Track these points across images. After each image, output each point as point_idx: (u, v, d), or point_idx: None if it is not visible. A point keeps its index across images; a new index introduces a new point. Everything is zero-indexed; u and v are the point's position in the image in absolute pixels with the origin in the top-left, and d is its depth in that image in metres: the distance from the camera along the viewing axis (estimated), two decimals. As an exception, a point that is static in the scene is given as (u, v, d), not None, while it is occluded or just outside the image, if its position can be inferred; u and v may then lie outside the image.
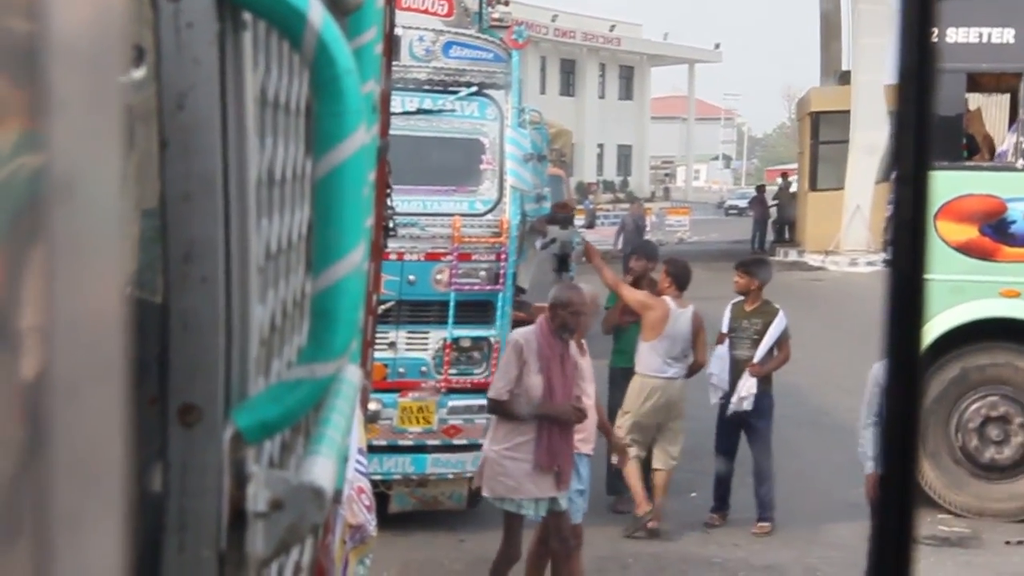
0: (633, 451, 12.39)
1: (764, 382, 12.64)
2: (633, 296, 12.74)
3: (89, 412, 1.01)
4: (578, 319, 9.78)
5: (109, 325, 1.05)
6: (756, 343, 12.61)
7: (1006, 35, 12.92)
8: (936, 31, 1.71)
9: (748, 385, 12.49)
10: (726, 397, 12.65)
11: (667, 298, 12.62)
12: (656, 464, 12.57)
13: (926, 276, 1.70)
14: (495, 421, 9.98)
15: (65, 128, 0.99)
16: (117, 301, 1.06)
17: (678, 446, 12.51)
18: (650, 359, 12.38)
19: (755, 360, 12.56)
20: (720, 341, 12.84)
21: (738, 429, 12.76)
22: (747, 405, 12.47)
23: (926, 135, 1.69)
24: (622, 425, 12.44)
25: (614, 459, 11.88)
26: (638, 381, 12.50)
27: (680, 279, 12.77)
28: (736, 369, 12.60)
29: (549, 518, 9.79)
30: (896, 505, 1.78)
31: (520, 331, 9.97)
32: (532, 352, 9.57)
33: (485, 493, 9.86)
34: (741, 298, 12.97)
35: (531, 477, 9.51)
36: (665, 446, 12.50)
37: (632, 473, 12.49)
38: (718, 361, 12.82)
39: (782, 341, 12.70)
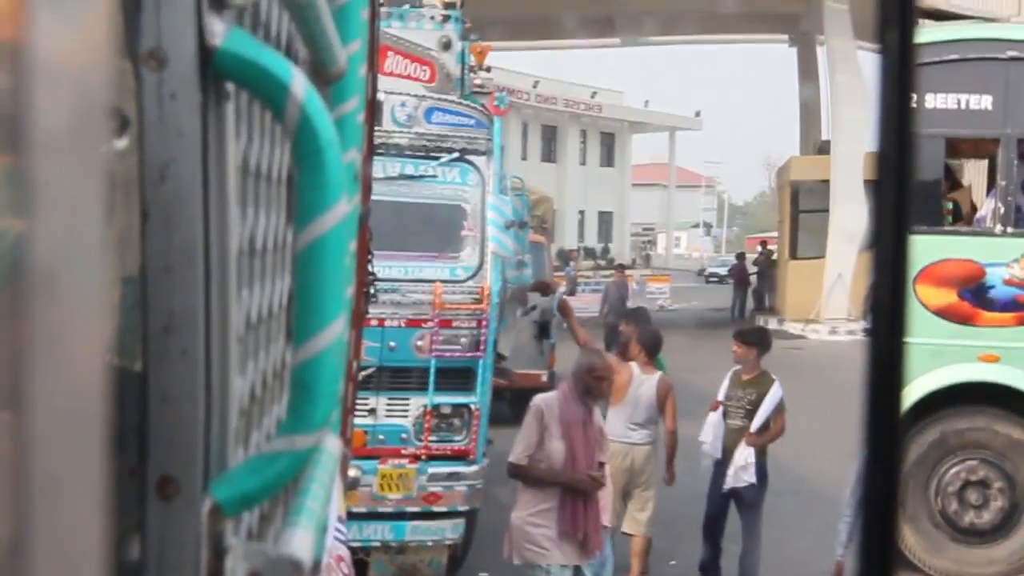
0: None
1: (759, 453, 12.52)
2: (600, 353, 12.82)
3: (68, 502, 1.01)
4: (602, 384, 9.81)
5: (89, 410, 1.04)
6: (750, 413, 12.49)
7: (984, 102, 13.01)
8: (915, 103, 1.72)
9: (746, 455, 12.38)
10: (719, 465, 12.55)
11: (632, 364, 12.67)
12: (627, 528, 12.62)
13: (906, 344, 1.70)
14: (519, 487, 9.88)
15: (48, 212, 0.99)
16: (98, 384, 1.05)
17: (647, 512, 12.53)
18: (614, 423, 12.44)
19: (752, 430, 12.47)
20: (713, 408, 12.78)
21: (728, 499, 12.63)
22: (747, 477, 12.42)
23: (905, 207, 1.69)
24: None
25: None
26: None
27: (649, 346, 12.86)
28: (729, 439, 12.53)
29: None
30: (879, 552, 1.78)
31: (542, 396, 9.91)
32: (554, 417, 9.52)
33: (515, 560, 9.76)
34: (738, 367, 12.89)
35: (556, 544, 9.46)
36: (634, 512, 12.54)
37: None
38: (710, 428, 12.75)
39: (777, 413, 12.61)
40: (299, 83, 1.94)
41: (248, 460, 2.01)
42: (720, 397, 12.80)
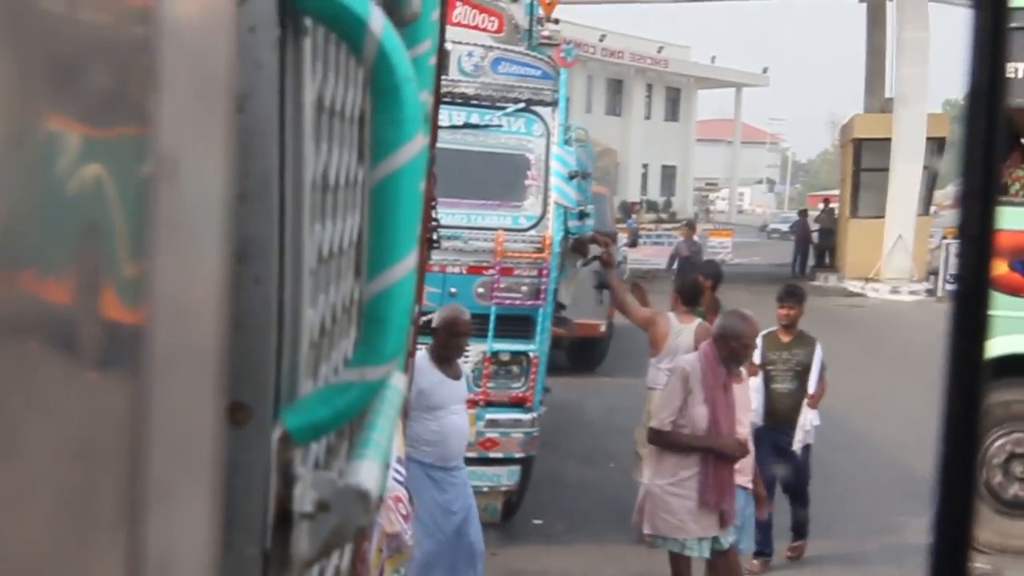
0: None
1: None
2: (638, 314, 12.76)
3: (186, 386, 1.02)
4: (748, 352, 9.63)
5: (209, 304, 1.06)
6: (798, 375, 12.39)
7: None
8: (1007, 49, 1.70)
9: (811, 418, 12.34)
10: (767, 431, 12.26)
11: (670, 314, 12.64)
12: None
13: (991, 292, 1.69)
14: (656, 453, 9.58)
15: (171, 106, 1.00)
16: (218, 277, 1.07)
17: None
18: (655, 373, 12.43)
19: (811, 391, 12.36)
20: (754, 373, 12.33)
21: (776, 459, 12.39)
22: (811, 439, 12.41)
23: (994, 153, 1.67)
24: (638, 439, 12.54)
25: None
26: (649, 395, 12.60)
27: (685, 294, 12.82)
28: (776, 403, 12.36)
29: (715, 558, 9.45)
30: (953, 526, 1.76)
31: (686, 359, 9.67)
32: (697, 381, 9.27)
33: (646, 530, 9.59)
34: (772, 328, 12.63)
35: (695, 515, 9.24)
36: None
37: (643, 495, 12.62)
38: (754, 395, 12.24)
39: (822, 371, 12.50)
40: (377, 19, 1.95)
41: (318, 390, 2.03)
42: (757, 361, 12.33)
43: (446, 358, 9.65)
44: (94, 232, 0.97)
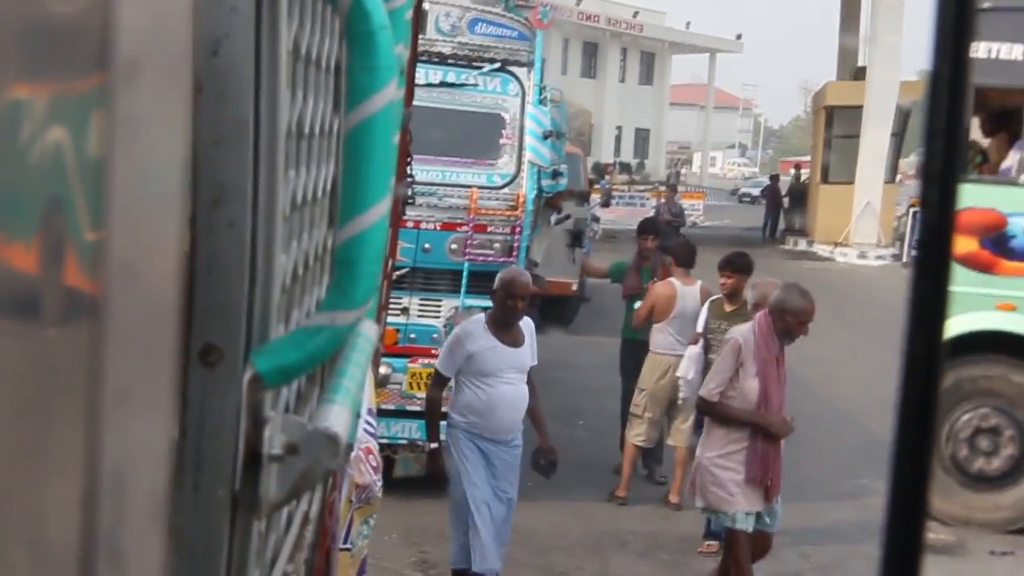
0: (640, 435, 12.50)
1: None
2: (648, 299, 12.80)
3: (144, 285, 1.02)
4: (803, 328, 9.13)
5: (168, 204, 1.05)
6: None
7: (1015, 51, 12.90)
8: (972, 37, 1.70)
9: None
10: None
11: (672, 279, 12.67)
12: (672, 441, 12.68)
13: (951, 281, 1.69)
14: (707, 424, 9.45)
15: (132, 14, 0.99)
16: (176, 186, 1.06)
17: (689, 422, 12.40)
18: (662, 338, 12.48)
19: (689, 365, 11.85)
20: (694, 341, 12.19)
21: None
22: None
23: (957, 141, 1.67)
24: (639, 403, 12.52)
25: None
26: (651, 359, 12.58)
27: (682, 257, 12.84)
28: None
29: (754, 535, 9.23)
30: (909, 502, 1.76)
31: (739, 330, 9.34)
32: (750, 353, 9.02)
33: (698, 503, 9.46)
34: (719, 296, 12.14)
35: (742, 489, 9.04)
36: (678, 424, 12.54)
37: (628, 456, 12.63)
38: (691, 363, 12.12)
39: None
40: (353, -34, 1.94)
41: (289, 333, 2.03)
42: (700, 329, 12.11)
43: (504, 322, 9.19)
44: (62, 187, 0.97)
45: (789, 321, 8.98)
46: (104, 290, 0.99)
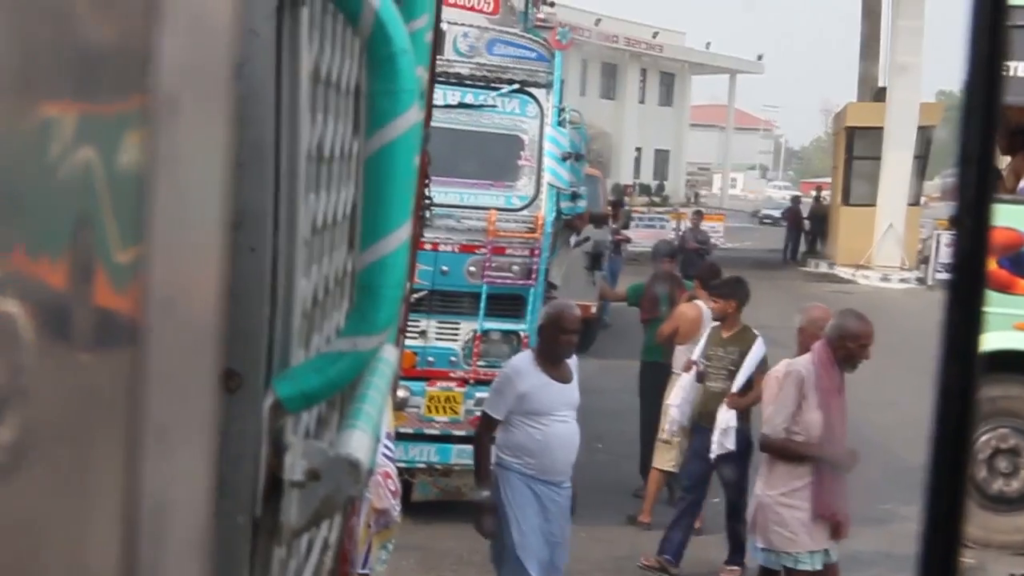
0: (670, 460, 12.47)
1: (741, 418, 11.42)
2: (673, 319, 12.80)
3: (183, 328, 1.02)
4: (864, 352, 8.91)
5: (208, 233, 1.06)
6: (732, 374, 11.48)
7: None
8: (1006, 63, 1.69)
9: (727, 418, 11.37)
10: (701, 431, 11.66)
11: (699, 302, 12.66)
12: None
13: (985, 308, 1.68)
14: (766, 460, 9.06)
15: (173, 45, 1.00)
16: (217, 216, 1.06)
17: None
18: (686, 359, 12.39)
19: (733, 390, 11.40)
20: (686, 369, 12.08)
21: (711, 466, 11.61)
22: (729, 444, 11.31)
23: (989, 167, 1.66)
24: (666, 427, 12.48)
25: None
26: (675, 381, 12.54)
27: (707, 280, 12.84)
28: (707, 402, 11.67)
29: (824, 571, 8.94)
30: (944, 533, 1.75)
31: (799, 363, 9.03)
32: (811, 385, 8.77)
33: (759, 544, 9.08)
34: (719, 323, 11.86)
35: (807, 528, 8.78)
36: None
37: (654, 481, 12.59)
38: (679, 391, 12.08)
39: (759, 372, 11.21)
40: (374, -10, 1.95)
41: (310, 359, 2.03)
42: (695, 356, 11.93)
43: (555, 358, 8.77)
44: (93, 205, 0.97)
45: (850, 347, 8.79)
46: (146, 321, 1.00)
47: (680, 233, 36.95)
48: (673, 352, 12.85)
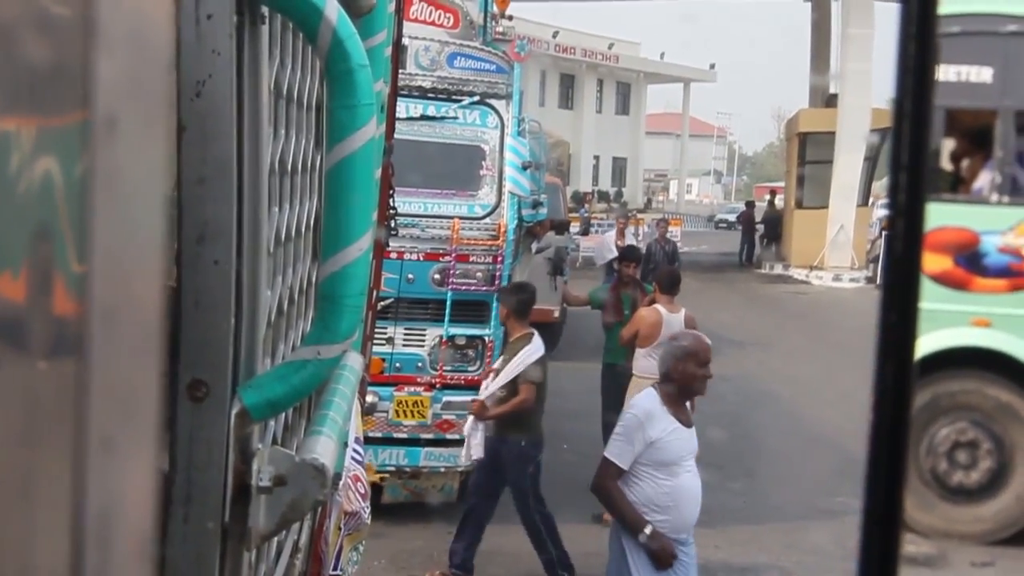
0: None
1: (505, 427, 10.63)
2: (632, 323, 12.82)
3: (126, 339, 1.02)
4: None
5: (149, 255, 1.05)
6: (512, 381, 10.64)
7: (983, 74, 13.00)
8: (936, 66, 1.70)
9: (469, 426, 10.77)
10: (492, 443, 10.76)
11: (658, 306, 12.70)
12: None
13: (920, 306, 1.69)
14: None
15: (110, 65, 0.99)
16: (157, 231, 1.06)
17: None
18: (645, 363, 12.43)
19: (480, 396, 10.77)
20: (485, 376, 11.31)
21: (492, 473, 10.75)
22: (476, 453, 10.60)
23: (922, 171, 1.68)
24: None
25: None
26: (635, 383, 12.57)
27: (665, 284, 12.89)
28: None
29: None
30: (884, 519, 1.76)
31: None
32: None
33: None
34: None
35: None
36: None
37: None
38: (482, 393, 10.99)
39: (522, 381, 10.60)
40: (332, 7, 1.95)
41: (275, 368, 2.03)
42: (496, 364, 11.09)
43: (685, 398, 7.91)
44: (43, 215, 0.97)
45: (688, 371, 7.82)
46: (89, 331, 0.99)
47: (648, 247, 35.93)
48: (633, 355, 12.90)
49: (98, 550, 1.03)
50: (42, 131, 0.96)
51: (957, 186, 13.94)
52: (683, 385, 7.74)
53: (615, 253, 14.22)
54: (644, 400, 7.90)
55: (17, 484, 0.95)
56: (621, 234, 21.65)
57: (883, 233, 35.70)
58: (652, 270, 24.27)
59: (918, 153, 1.65)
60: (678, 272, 13.48)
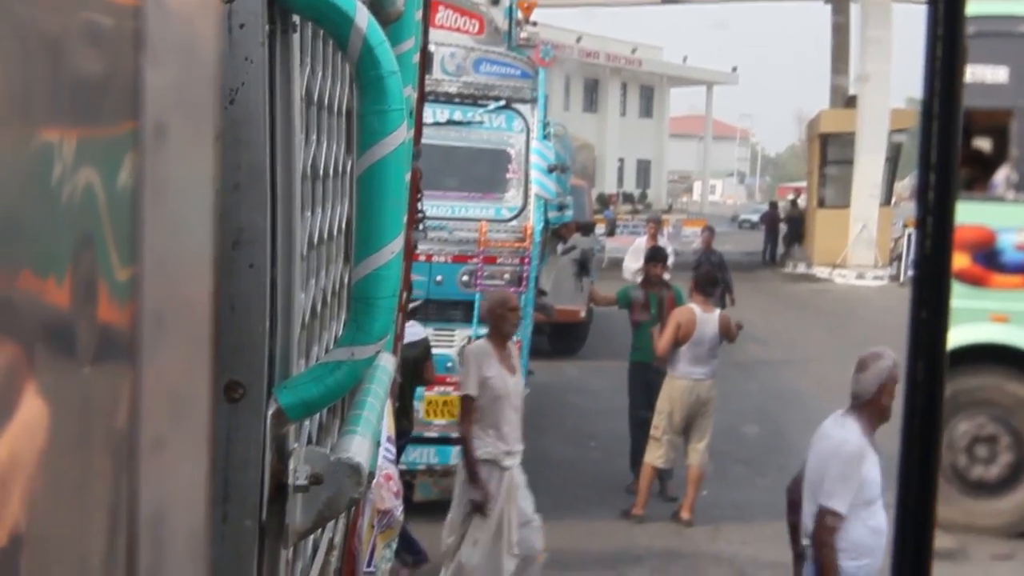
0: (660, 456, 12.47)
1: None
2: (671, 325, 12.77)
3: (177, 343, 1.03)
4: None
5: (197, 256, 1.06)
6: None
7: (999, 74, 12.97)
8: (964, 67, 1.70)
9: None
10: None
11: (692, 305, 12.69)
12: (688, 460, 12.63)
13: (949, 305, 1.70)
14: None
15: (161, 78, 1.00)
16: (205, 236, 1.07)
17: (704, 442, 12.50)
18: (678, 362, 12.45)
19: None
20: None
21: None
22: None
23: (951, 170, 1.68)
24: (658, 425, 12.52)
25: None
26: (670, 382, 12.58)
27: (699, 284, 12.89)
28: None
29: None
30: (917, 517, 1.77)
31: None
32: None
33: None
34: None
35: None
36: (694, 444, 12.54)
37: (645, 476, 12.59)
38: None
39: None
40: (362, 15, 1.96)
41: (310, 369, 2.04)
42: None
43: (878, 423, 7.04)
44: (94, 226, 0.98)
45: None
46: (140, 336, 1.00)
47: (697, 260, 34.77)
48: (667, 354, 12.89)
49: (152, 549, 1.04)
50: (88, 141, 0.97)
51: (974, 184, 13.93)
52: (881, 411, 7.01)
53: (638, 266, 14.23)
54: (848, 432, 7.01)
55: (74, 485, 0.96)
56: (653, 238, 21.54)
57: (907, 232, 35.65)
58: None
59: (947, 153, 1.66)
60: (714, 273, 13.49)
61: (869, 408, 6.93)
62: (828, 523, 6.76)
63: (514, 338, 9.58)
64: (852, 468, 6.76)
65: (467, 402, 9.07)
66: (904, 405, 1.71)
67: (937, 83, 1.62)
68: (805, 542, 7.09)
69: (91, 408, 0.97)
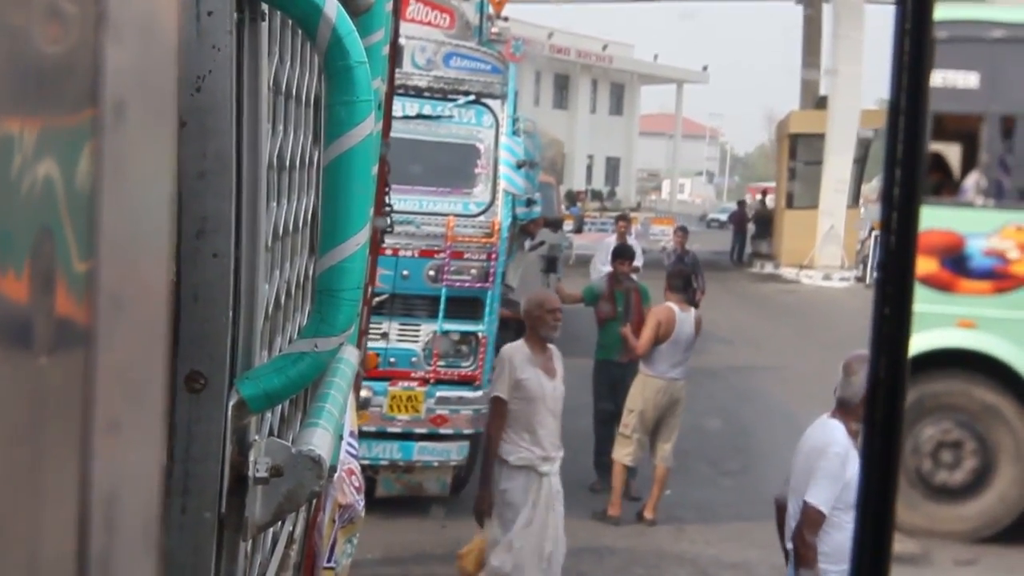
0: (629, 454, 12.49)
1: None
2: (650, 324, 12.77)
3: (133, 317, 1.02)
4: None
5: (155, 245, 1.06)
6: None
7: (970, 80, 13.02)
8: (932, 62, 1.70)
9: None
10: None
11: (670, 304, 12.72)
12: (654, 459, 12.66)
13: (913, 305, 1.69)
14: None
15: (122, 57, 0.99)
16: (163, 222, 1.06)
17: (671, 443, 12.55)
18: (655, 361, 12.48)
19: None
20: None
21: None
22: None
23: (916, 170, 1.68)
24: (628, 423, 12.54)
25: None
26: (642, 380, 12.61)
27: (676, 284, 12.94)
28: None
29: None
30: (877, 518, 1.77)
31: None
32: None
33: None
34: None
35: None
36: (661, 443, 12.57)
37: (617, 475, 12.61)
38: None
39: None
40: (331, 5, 1.95)
41: (272, 360, 2.03)
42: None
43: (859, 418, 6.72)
44: (46, 216, 0.97)
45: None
46: (95, 321, 0.99)
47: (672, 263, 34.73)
48: (625, 350, 12.90)
49: (104, 533, 1.03)
50: (48, 130, 0.96)
51: (943, 189, 13.98)
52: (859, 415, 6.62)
53: (608, 267, 14.32)
54: (839, 433, 7.03)
55: (26, 469, 0.95)
56: (622, 237, 21.49)
57: (873, 233, 35.78)
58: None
59: (913, 149, 1.65)
60: (688, 271, 13.51)
61: (856, 412, 6.87)
62: (811, 517, 6.80)
63: (549, 344, 9.48)
64: (838, 469, 6.78)
65: (497, 404, 8.98)
66: (866, 402, 1.70)
67: (904, 78, 1.61)
68: (789, 546, 7.11)
69: (46, 393, 0.97)
